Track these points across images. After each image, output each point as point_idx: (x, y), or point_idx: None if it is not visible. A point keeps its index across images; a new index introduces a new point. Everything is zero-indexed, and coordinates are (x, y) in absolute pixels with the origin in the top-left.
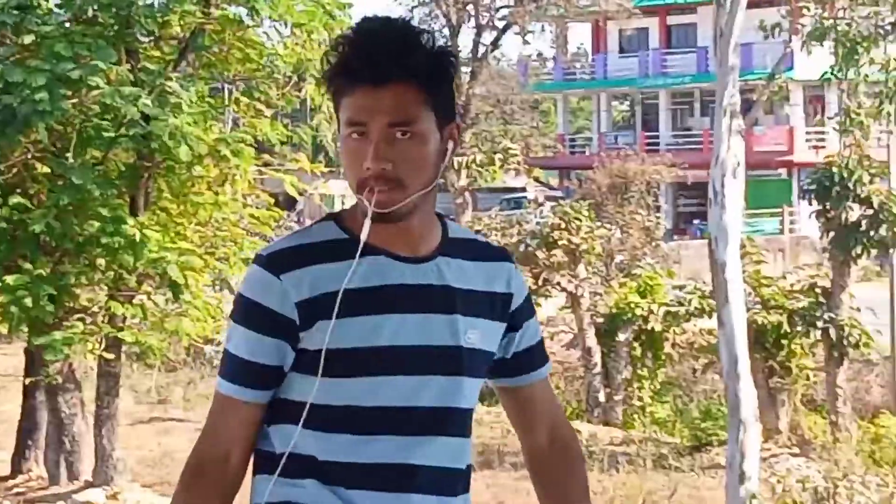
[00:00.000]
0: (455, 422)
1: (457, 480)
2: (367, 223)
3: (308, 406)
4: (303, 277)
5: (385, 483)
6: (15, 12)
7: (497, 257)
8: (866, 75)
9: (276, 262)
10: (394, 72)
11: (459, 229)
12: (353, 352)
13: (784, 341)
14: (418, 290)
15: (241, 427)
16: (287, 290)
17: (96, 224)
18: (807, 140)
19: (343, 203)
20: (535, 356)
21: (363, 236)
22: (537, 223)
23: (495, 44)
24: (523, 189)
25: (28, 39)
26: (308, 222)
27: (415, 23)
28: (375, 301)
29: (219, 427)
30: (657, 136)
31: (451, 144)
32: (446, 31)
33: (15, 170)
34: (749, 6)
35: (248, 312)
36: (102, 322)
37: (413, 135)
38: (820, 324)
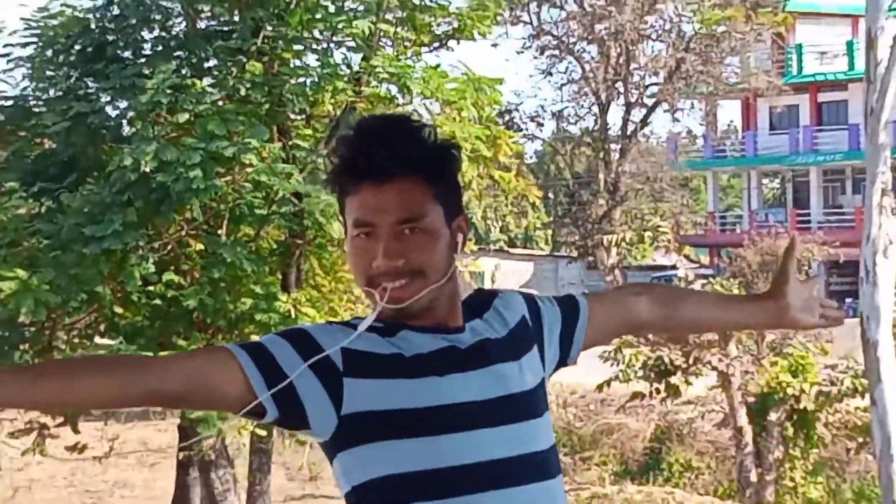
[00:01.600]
0: (539, 465)
1: None
2: (374, 315)
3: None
4: (355, 338)
5: None
6: (169, 92)
7: (491, 299)
8: None
9: (333, 321)
10: (396, 167)
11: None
12: (428, 410)
13: None
14: (468, 350)
15: (205, 364)
16: (337, 334)
17: (249, 301)
18: None
19: (493, 280)
20: (570, 308)
21: (367, 321)
22: None
23: (644, 121)
24: (674, 266)
25: (182, 118)
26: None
27: (564, 100)
28: (430, 364)
29: (188, 353)
30: (808, 214)
31: (460, 237)
32: (596, 109)
33: (169, 247)
34: None
35: (295, 334)
36: None
37: (421, 230)
38: None
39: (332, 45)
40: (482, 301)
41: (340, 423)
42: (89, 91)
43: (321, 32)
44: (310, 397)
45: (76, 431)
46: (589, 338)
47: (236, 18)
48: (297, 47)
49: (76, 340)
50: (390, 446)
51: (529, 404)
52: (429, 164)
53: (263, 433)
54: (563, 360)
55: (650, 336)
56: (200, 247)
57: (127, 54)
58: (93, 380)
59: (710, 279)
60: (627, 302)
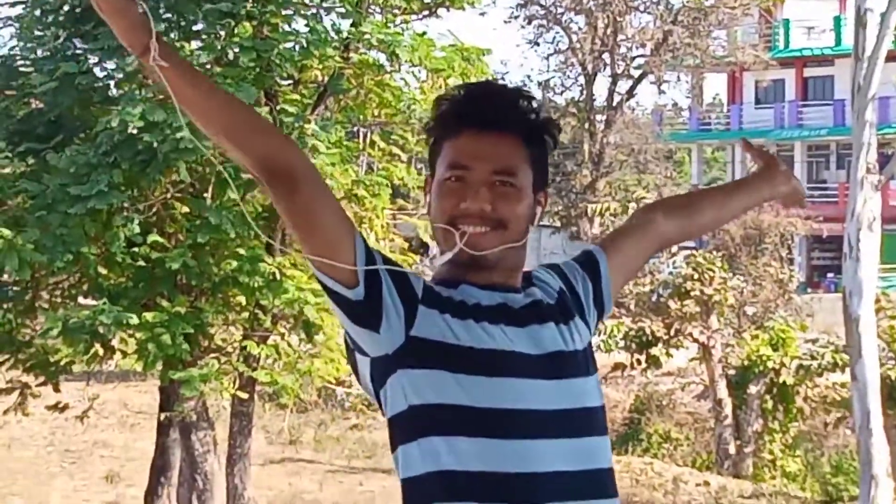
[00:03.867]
0: (588, 421)
1: (603, 481)
2: (451, 253)
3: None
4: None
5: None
6: None
7: (529, 276)
8: None
9: None
10: (501, 121)
11: None
12: (489, 352)
13: None
14: (520, 309)
15: (336, 202)
16: (420, 276)
17: (234, 263)
18: None
19: None
20: (590, 266)
21: (445, 256)
22: (670, 273)
23: (630, 93)
24: None
25: None
26: None
27: (550, 70)
28: (488, 315)
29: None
30: None
31: (538, 210)
32: (582, 80)
33: (154, 209)
34: (888, 59)
35: (384, 256)
36: (237, 361)
37: (513, 186)
38: None
39: (321, 10)
40: (525, 277)
41: (408, 341)
42: (77, 52)
43: None
44: (390, 305)
45: (57, 391)
46: (621, 278)
47: None
48: (286, 12)
49: (59, 300)
50: (451, 377)
51: (579, 363)
52: (531, 129)
53: (245, 396)
54: (601, 315)
55: (632, 307)
56: (186, 209)
57: None
58: (240, 104)
59: (693, 252)
60: (644, 226)
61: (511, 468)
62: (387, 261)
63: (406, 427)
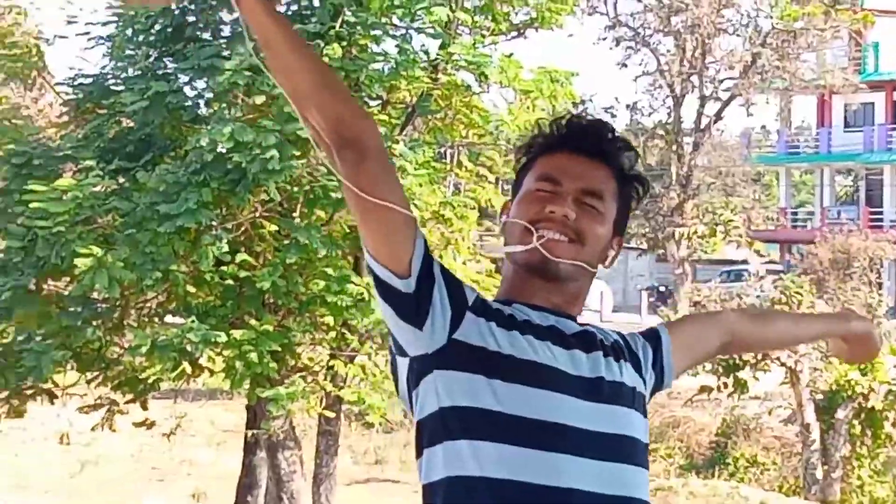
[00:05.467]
0: (624, 449)
1: None
2: (522, 248)
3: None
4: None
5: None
6: (247, 73)
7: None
8: None
9: None
10: (603, 150)
11: None
12: (526, 363)
13: None
14: (571, 335)
15: (404, 195)
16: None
17: (321, 283)
18: None
19: None
20: (653, 339)
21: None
22: (758, 297)
23: (719, 115)
24: (744, 261)
25: (259, 100)
26: None
27: (638, 92)
28: (536, 331)
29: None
30: (881, 213)
31: (611, 252)
32: (670, 102)
33: (243, 228)
34: None
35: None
36: (324, 380)
37: (598, 212)
38: None
39: (410, 31)
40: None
41: (449, 343)
42: (168, 71)
43: (400, 19)
44: (437, 305)
45: (145, 408)
46: (684, 360)
47: (316, 3)
48: (375, 32)
49: (147, 318)
50: (486, 383)
51: (625, 394)
52: (625, 169)
53: (332, 415)
54: (659, 386)
55: None
56: (274, 228)
57: (206, 35)
58: (326, 64)
59: (781, 275)
60: (716, 316)
61: (535, 479)
62: (445, 271)
63: (434, 429)
